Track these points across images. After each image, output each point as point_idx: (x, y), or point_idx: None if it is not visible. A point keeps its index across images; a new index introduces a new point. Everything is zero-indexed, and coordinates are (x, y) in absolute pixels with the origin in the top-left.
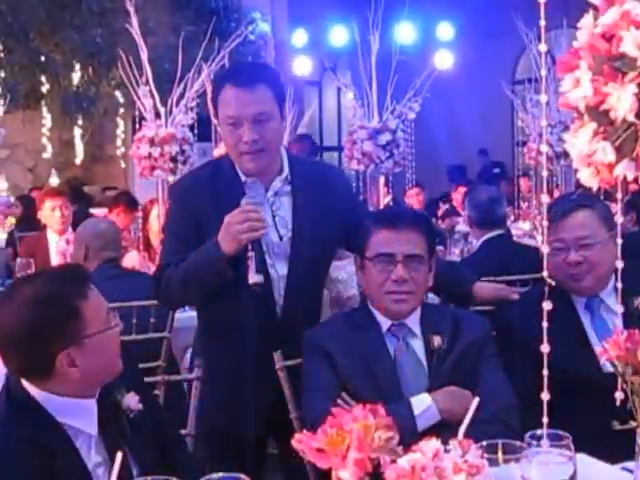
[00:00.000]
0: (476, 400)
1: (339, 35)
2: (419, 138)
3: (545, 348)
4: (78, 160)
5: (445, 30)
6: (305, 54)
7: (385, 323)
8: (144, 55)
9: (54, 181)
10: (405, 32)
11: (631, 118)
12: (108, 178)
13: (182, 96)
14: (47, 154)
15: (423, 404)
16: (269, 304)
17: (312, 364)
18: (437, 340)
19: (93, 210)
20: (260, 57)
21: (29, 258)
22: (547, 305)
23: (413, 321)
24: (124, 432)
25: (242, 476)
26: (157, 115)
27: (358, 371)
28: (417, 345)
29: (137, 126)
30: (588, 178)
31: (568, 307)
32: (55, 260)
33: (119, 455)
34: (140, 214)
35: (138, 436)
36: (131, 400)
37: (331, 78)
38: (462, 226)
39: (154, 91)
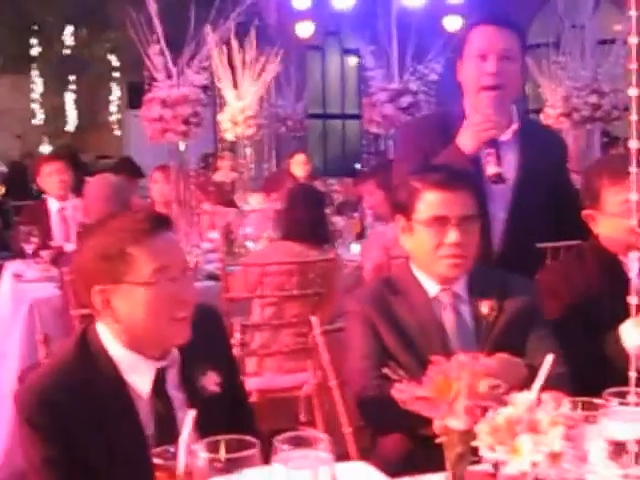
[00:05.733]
0: (550, 357)
1: None
2: (441, 101)
3: None
4: (70, 127)
5: None
6: (308, 17)
7: (432, 289)
8: (153, 9)
9: (45, 149)
10: None
11: None
12: (101, 146)
13: (194, 56)
14: (37, 121)
15: None
16: (484, 247)
17: (354, 331)
18: (486, 306)
19: (89, 179)
20: (262, 19)
21: (31, 226)
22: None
23: (460, 286)
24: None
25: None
26: (168, 76)
27: (403, 338)
28: (465, 311)
29: (147, 87)
30: None
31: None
32: (56, 228)
33: (191, 413)
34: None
35: (209, 417)
36: (208, 381)
37: (334, 42)
38: None
39: (165, 49)
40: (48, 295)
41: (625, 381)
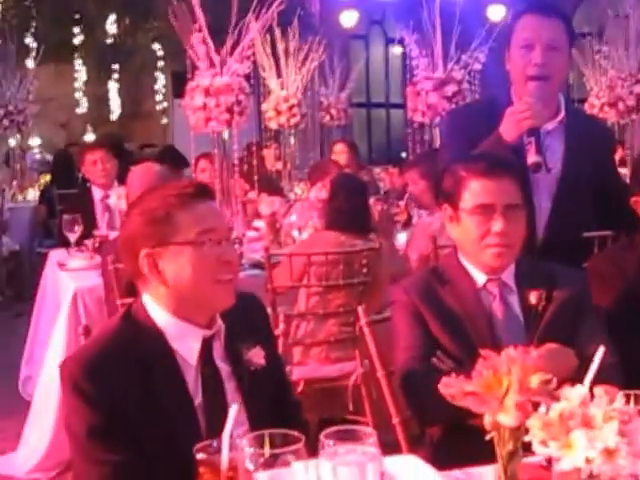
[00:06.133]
0: (601, 349)
1: None
2: (485, 91)
3: None
4: (114, 116)
5: None
6: (351, 6)
7: (480, 278)
8: (195, 0)
9: (89, 137)
10: None
11: None
12: (146, 135)
13: (236, 44)
14: (81, 109)
15: None
16: (528, 236)
17: (402, 322)
18: (535, 296)
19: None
20: (305, 8)
21: (75, 215)
22: None
23: (508, 276)
24: (243, 384)
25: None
26: (211, 64)
27: (451, 327)
28: (513, 301)
29: (190, 76)
30: None
31: None
32: (100, 216)
33: (234, 407)
34: (189, 171)
35: (255, 390)
36: (255, 355)
37: (378, 31)
38: None
39: (208, 38)
40: (92, 284)
41: None
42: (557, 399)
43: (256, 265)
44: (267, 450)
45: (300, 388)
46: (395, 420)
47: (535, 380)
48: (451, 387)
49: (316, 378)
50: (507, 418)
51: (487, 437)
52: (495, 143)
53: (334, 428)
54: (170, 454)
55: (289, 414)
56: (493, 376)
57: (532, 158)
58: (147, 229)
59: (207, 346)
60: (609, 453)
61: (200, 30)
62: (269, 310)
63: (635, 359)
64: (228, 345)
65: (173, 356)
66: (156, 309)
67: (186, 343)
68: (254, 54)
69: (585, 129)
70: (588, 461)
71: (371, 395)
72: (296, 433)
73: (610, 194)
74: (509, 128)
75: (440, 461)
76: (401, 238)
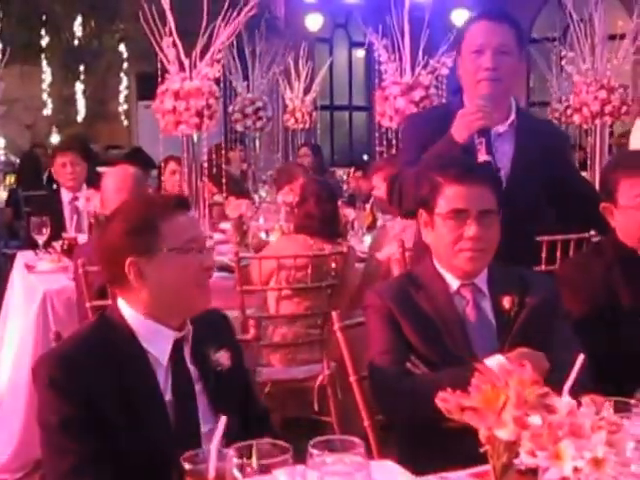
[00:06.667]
0: (581, 357)
1: None
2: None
3: None
4: (80, 117)
5: None
6: (316, 10)
7: (454, 283)
8: (166, 2)
9: (54, 139)
10: None
11: None
12: (111, 136)
13: (207, 48)
14: (47, 111)
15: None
16: None
17: (376, 326)
18: (508, 301)
19: (100, 169)
20: (271, 12)
21: (43, 217)
22: None
23: (481, 281)
24: (209, 384)
25: None
26: (181, 68)
27: (425, 332)
28: (486, 306)
29: (160, 79)
30: None
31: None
32: (69, 218)
33: (223, 419)
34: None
35: (221, 391)
36: (222, 357)
37: (342, 35)
38: None
39: (177, 41)
40: (61, 287)
41: None
42: (554, 412)
43: (223, 268)
44: (254, 461)
45: (267, 389)
46: (366, 423)
47: (531, 394)
48: (448, 402)
49: (283, 379)
50: (505, 432)
51: (482, 450)
52: (447, 143)
53: (322, 438)
54: (140, 447)
55: (257, 421)
56: (491, 390)
57: (482, 157)
58: (132, 238)
59: (178, 348)
60: (597, 462)
61: (170, 34)
62: (238, 313)
63: (602, 363)
64: (195, 347)
65: (145, 356)
66: (130, 312)
67: (158, 344)
68: (223, 57)
69: (536, 132)
70: (576, 470)
71: (337, 396)
72: (284, 443)
73: (570, 193)
74: (460, 129)
75: (412, 464)
76: (366, 241)
